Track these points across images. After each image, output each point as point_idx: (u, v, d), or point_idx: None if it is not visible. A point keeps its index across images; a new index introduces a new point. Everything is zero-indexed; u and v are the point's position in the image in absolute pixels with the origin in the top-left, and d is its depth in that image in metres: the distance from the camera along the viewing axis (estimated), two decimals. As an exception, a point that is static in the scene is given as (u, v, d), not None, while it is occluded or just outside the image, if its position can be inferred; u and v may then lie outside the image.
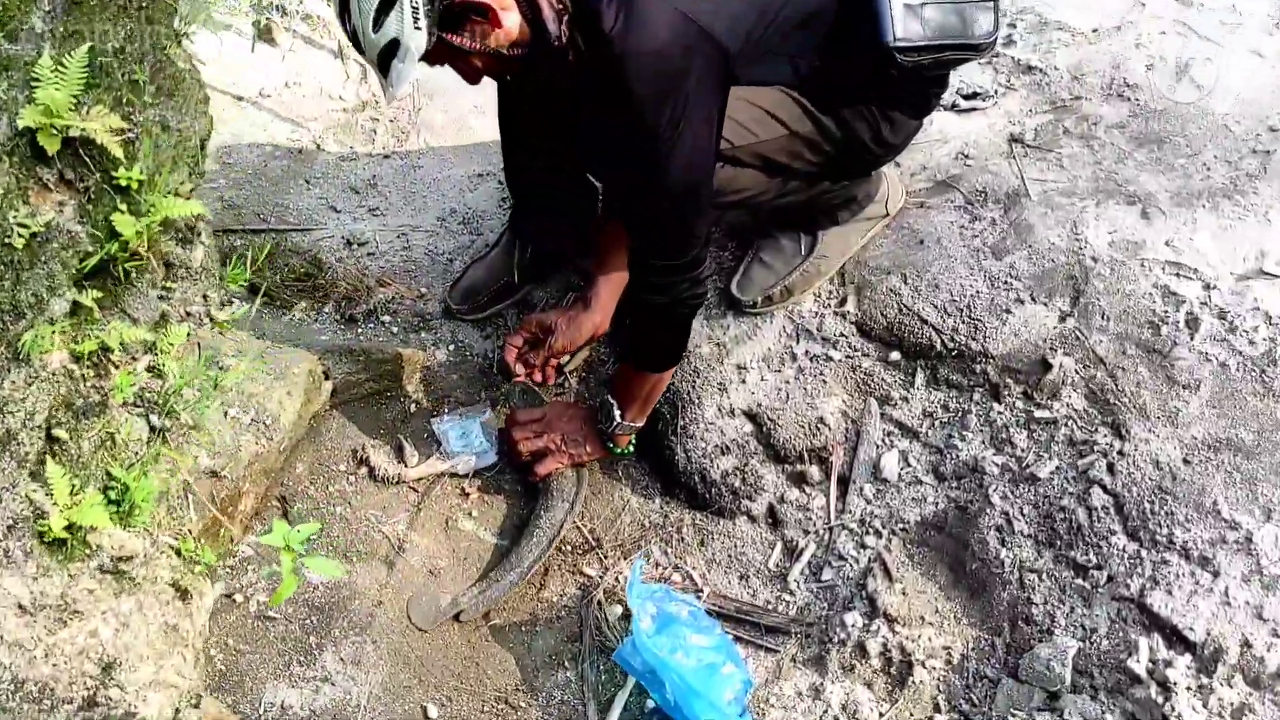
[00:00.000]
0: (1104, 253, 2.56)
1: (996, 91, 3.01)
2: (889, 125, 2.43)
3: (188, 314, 1.91)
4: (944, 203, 2.78)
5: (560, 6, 2.07)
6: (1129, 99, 2.89)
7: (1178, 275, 2.50)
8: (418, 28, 1.97)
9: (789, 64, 2.31)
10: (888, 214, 2.74)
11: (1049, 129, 2.89)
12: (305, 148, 3.38)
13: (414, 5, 1.95)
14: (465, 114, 3.46)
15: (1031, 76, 3.04)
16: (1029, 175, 2.76)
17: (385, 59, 2.02)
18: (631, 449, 2.62)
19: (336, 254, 3.07)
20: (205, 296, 1.93)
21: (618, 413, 2.51)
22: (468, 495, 2.65)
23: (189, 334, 1.91)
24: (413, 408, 2.78)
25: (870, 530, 2.42)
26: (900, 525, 2.41)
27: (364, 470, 2.61)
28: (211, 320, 1.96)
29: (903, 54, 2.25)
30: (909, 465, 2.48)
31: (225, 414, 2.40)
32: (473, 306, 2.93)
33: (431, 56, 2.06)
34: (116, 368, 1.73)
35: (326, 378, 2.69)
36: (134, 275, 1.77)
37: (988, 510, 2.31)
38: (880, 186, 2.70)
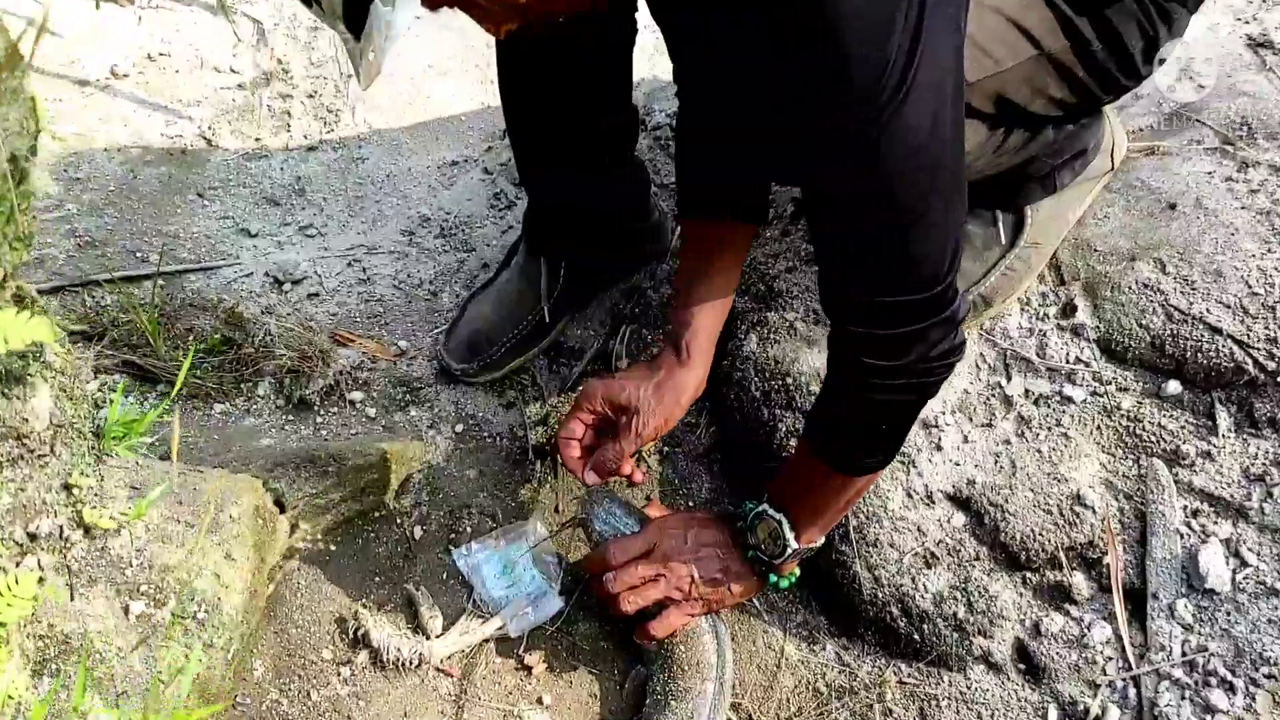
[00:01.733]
0: None
1: (1203, -20, 2.11)
2: (1166, 27, 1.52)
3: (31, 537, 0.87)
4: (1187, 145, 1.87)
5: None
6: None
7: None
8: None
9: None
10: (1112, 168, 1.82)
11: (1301, 24, 2.01)
12: (190, 145, 2.32)
13: None
14: (417, 77, 2.42)
15: (1245, -46, 2.15)
16: (1306, 93, 1.87)
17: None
18: (796, 577, 1.66)
19: (262, 301, 2.04)
20: (68, 486, 0.90)
21: (791, 534, 1.54)
22: (530, 670, 1.68)
23: (40, 581, 0.88)
24: (418, 533, 1.79)
25: (1213, 680, 1.51)
26: (1266, 669, 1.50)
27: (363, 654, 1.63)
28: (85, 528, 0.93)
29: None
30: (1246, 564, 1.57)
31: (125, 612, 1.39)
32: (484, 363, 1.94)
33: None
34: None
35: (280, 509, 1.68)
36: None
37: None
38: (1105, 129, 1.78)
